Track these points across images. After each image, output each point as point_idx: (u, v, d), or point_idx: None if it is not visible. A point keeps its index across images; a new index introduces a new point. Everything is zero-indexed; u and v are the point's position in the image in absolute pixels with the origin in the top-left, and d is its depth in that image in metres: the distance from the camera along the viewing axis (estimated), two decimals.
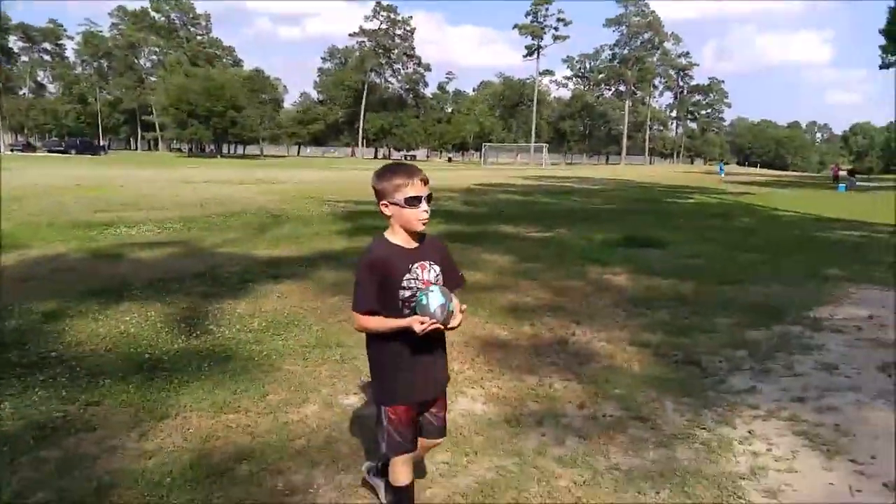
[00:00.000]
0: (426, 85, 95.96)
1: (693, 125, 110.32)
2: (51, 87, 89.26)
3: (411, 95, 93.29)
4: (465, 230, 10.79)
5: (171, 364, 4.06)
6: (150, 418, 3.32)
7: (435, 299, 2.11)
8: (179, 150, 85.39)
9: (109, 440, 3.10)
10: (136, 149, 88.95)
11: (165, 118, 70.09)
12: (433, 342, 2.27)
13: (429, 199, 2.18)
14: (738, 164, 77.95)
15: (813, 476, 2.91)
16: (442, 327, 2.17)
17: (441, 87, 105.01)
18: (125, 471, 2.81)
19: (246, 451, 3.00)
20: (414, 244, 2.22)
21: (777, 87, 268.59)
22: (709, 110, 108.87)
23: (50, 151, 60.73)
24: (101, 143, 75.95)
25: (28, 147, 66.54)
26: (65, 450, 2.99)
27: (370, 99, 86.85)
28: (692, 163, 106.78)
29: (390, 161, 2.57)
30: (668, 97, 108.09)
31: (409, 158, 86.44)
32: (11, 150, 62.01)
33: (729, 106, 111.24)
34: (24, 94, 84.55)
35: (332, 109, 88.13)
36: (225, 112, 65.11)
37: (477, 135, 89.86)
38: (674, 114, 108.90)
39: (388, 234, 2.22)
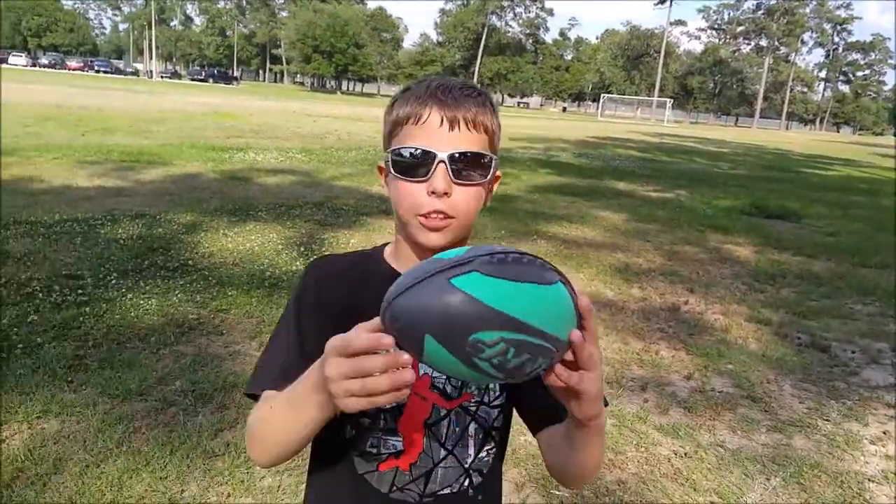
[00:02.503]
0: (547, 30, 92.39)
1: (845, 88, 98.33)
2: (197, 20, 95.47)
3: (531, 40, 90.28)
4: (577, 183, 10.50)
5: (288, 284, 4.31)
6: (268, 331, 3.55)
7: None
8: (302, 83, 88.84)
9: (234, 345, 3.38)
10: (264, 80, 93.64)
11: (292, 52, 72.83)
12: None
13: (471, 161, 0.80)
14: None
15: None
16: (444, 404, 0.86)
17: (562, 33, 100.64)
18: (246, 374, 3.04)
19: None
20: None
21: None
22: (867, 71, 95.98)
23: (192, 80, 67.45)
24: (235, 73, 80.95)
25: (175, 75, 74.26)
26: (198, 347, 3.31)
27: (489, 42, 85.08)
28: (838, 131, 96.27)
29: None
30: (817, 55, 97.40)
31: (521, 106, 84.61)
32: (161, 77, 69.29)
33: (893, 68, 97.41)
34: (175, 25, 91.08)
35: (449, 51, 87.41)
36: (347, 49, 66.55)
37: (596, 85, 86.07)
38: (822, 74, 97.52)
39: (390, 248, 0.94)
